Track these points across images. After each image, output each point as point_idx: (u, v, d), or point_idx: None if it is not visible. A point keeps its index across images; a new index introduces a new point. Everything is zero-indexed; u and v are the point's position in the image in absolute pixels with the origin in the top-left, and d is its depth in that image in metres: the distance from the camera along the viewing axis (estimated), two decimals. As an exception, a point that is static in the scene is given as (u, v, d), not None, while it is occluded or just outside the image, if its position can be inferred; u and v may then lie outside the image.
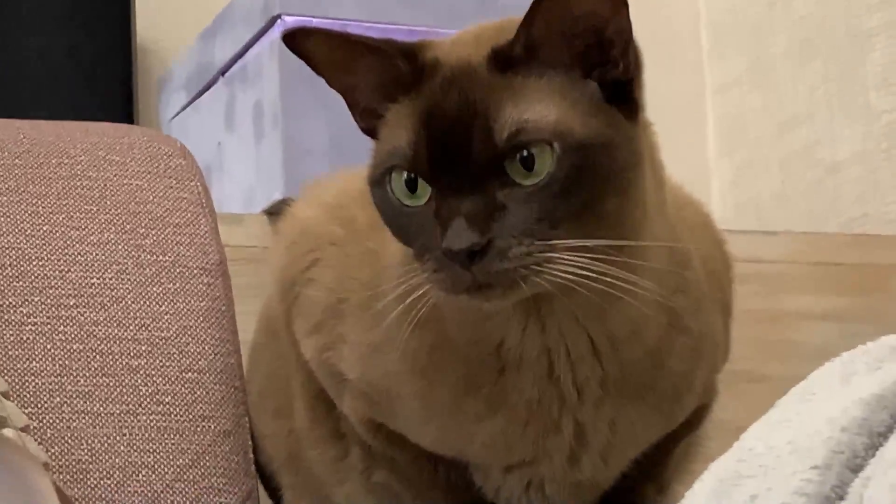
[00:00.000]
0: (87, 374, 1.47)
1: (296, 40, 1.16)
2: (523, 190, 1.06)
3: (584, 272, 1.05)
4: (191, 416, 1.50)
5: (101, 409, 1.46)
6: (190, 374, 1.51)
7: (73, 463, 1.41)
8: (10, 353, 1.45)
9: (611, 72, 1.11)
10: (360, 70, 1.17)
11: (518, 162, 1.06)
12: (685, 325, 1.24)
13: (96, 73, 2.20)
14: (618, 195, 1.11)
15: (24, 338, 1.47)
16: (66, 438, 1.43)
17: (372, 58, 1.15)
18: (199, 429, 1.48)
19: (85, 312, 1.50)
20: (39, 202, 1.54)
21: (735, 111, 2.87)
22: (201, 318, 1.54)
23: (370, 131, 1.18)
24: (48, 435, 1.41)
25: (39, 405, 1.43)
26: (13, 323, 1.46)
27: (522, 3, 1.14)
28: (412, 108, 1.12)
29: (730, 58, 2.90)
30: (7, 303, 1.45)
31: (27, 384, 1.44)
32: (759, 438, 0.89)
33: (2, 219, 1.50)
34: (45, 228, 1.52)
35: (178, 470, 1.46)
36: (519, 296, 1.10)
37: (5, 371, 1.45)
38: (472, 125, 1.07)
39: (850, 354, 0.93)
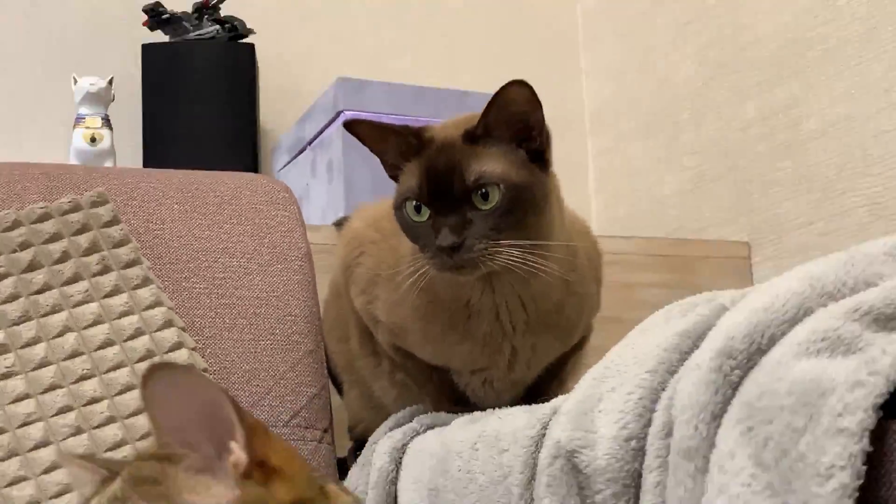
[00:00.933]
0: (231, 317, 1.58)
1: (351, 127, 1.28)
2: (482, 212, 1.18)
3: (517, 260, 1.17)
4: (290, 342, 1.58)
5: (237, 336, 1.56)
6: (290, 317, 1.60)
7: (219, 369, 1.51)
8: (184, 305, 1.54)
9: (532, 144, 1.22)
10: (388, 143, 1.27)
11: (479, 195, 1.18)
12: (574, 290, 1.34)
13: (237, 144, 2.31)
14: (536, 214, 1.21)
15: (193, 299, 1.57)
16: (215, 355, 1.53)
17: (395, 137, 1.26)
18: (294, 349, 1.59)
19: (231, 283, 1.61)
20: (203, 219, 1.64)
21: (607, 166, 2.97)
22: (297, 285, 1.63)
23: (394, 178, 1.28)
24: (205, 353, 1.51)
25: (200, 335, 1.53)
26: (187, 289, 1.56)
27: (482, 104, 1.22)
28: (418, 165, 1.23)
29: (606, 136, 3.00)
30: (185, 276, 1.56)
31: (193, 324, 1.53)
32: (617, 354, 0.99)
33: (182, 230, 1.61)
34: (206, 233, 1.62)
35: (281, 373, 1.56)
36: (479, 273, 1.20)
37: (183, 317, 1.53)
38: (453, 174, 1.19)
39: (670, 306, 1.02)
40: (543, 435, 1.03)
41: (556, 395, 1.29)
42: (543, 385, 1.44)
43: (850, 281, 0.78)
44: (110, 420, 1.38)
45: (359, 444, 1.59)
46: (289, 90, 2.70)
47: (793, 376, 0.70)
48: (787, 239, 2.33)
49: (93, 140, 2.30)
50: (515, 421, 1.11)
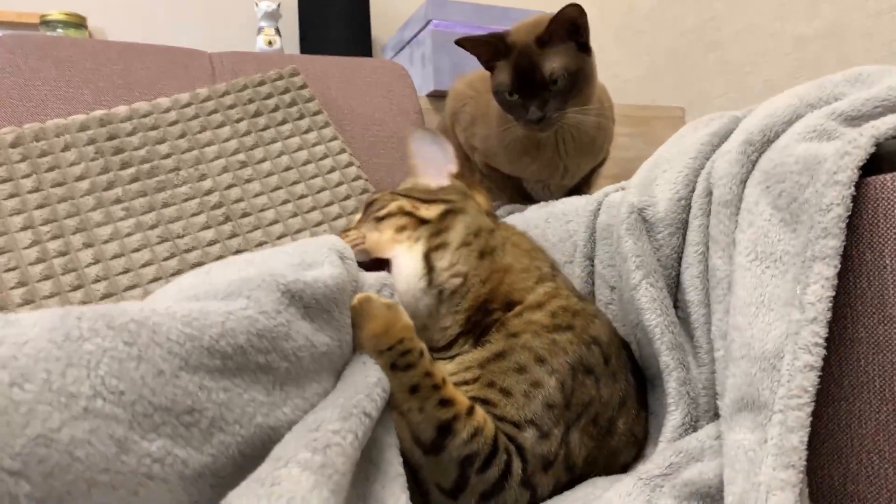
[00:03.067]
0: (376, 149, 1.48)
1: (460, 42, 1.19)
2: (553, 92, 1.11)
3: (576, 118, 1.14)
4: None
5: (377, 160, 1.48)
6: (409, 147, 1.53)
7: (373, 176, 1.37)
8: (345, 138, 1.39)
9: (579, 39, 1.14)
10: (483, 49, 1.19)
11: (551, 82, 1.11)
12: (602, 127, 1.28)
13: (361, 44, 2.19)
14: (585, 86, 1.15)
15: (353, 136, 1.44)
16: (368, 170, 1.40)
17: (488, 44, 1.18)
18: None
19: (374, 126, 1.53)
20: (349, 88, 1.57)
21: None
22: (412, 127, 1.44)
23: (489, 69, 1.21)
24: (366, 168, 1.36)
25: (358, 156, 1.41)
26: (347, 130, 1.45)
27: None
28: (507, 64, 1.15)
29: (593, 42, 2.95)
30: (343, 120, 1.44)
31: (354, 151, 1.41)
32: (665, 150, 0.91)
33: (340, 94, 1.51)
34: (356, 94, 1.53)
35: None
36: (553, 130, 1.17)
37: (348, 146, 1.41)
38: (533, 70, 1.12)
39: (693, 122, 0.95)
40: (598, 209, 1.01)
41: (586, 193, 1.33)
42: (579, 187, 1.40)
43: (824, 96, 0.74)
44: (313, 208, 1.34)
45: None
46: (387, 10, 2.56)
47: (797, 153, 0.67)
48: (709, 105, 2.24)
49: (269, 43, 2.23)
50: (576, 203, 1.07)
